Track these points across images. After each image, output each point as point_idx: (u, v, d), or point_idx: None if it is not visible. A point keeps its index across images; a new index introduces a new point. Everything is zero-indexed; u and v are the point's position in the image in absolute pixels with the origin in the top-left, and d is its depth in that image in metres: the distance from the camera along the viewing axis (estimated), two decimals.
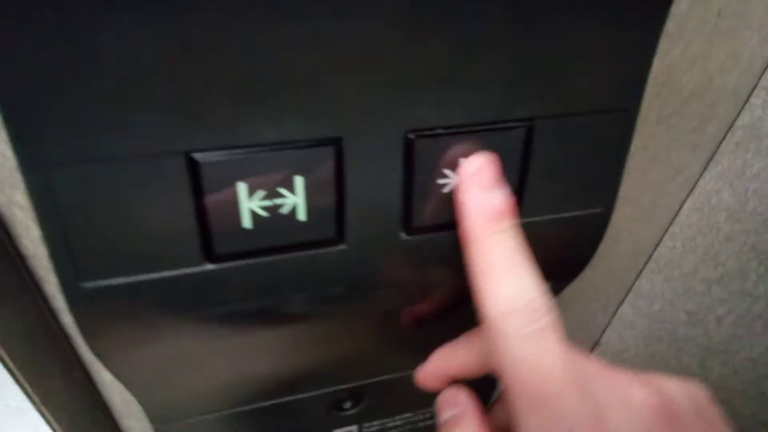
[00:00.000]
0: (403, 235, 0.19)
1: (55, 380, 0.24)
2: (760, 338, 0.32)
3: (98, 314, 0.17)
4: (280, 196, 0.17)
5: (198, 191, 0.16)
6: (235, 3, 0.13)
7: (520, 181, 0.19)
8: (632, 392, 0.17)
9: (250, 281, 0.18)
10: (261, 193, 0.17)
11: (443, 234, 0.19)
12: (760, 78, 0.27)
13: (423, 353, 0.23)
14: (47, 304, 0.21)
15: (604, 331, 0.43)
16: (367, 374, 0.27)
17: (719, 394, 0.36)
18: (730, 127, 0.29)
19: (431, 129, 0.17)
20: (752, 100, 0.28)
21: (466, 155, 0.18)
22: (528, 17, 0.16)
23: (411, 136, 0.17)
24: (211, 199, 0.16)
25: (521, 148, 0.18)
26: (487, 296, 0.17)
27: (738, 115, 0.29)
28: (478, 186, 0.17)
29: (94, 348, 0.19)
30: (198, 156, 0.15)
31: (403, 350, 0.25)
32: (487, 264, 0.17)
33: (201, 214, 0.16)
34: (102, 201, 0.15)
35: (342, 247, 0.19)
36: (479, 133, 0.18)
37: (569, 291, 0.34)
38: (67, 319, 0.21)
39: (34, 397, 0.23)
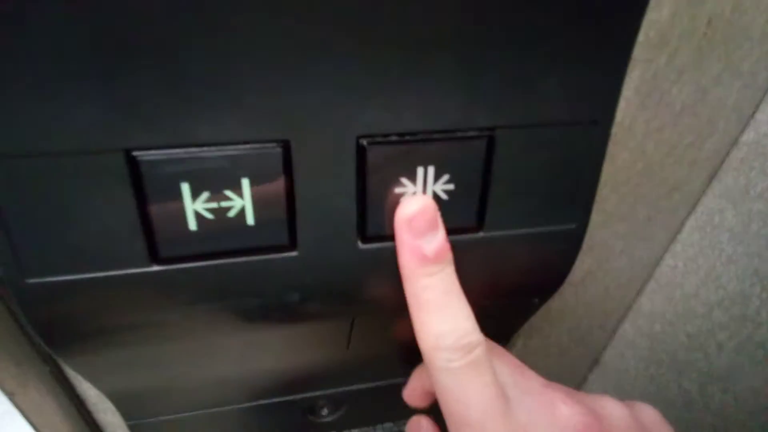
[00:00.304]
0: (359, 244, 0.19)
1: (28, 370, 0.24)
2: (761, 367, 0.30)
3: (45, 310, 0.17)
4: (227, 198, 0.17)
5: (140, 191, 0.16)
6: None
7: (482, 193, 0.18)
8: (560, 410, 0.19)
9: (198, 284, 0.18)
10: (206, 194, 0.16)
11: None
12: (766, 92, 0.26)
13: (385, 364, 0.22)
14: (10, 298, 0.21)
15: (604, 349, 0.41)
16: (331, 383, 0.26)
17: (719, 423, 0.34)
18: (734, 143, 0.28)
19: (385, 135, 0.17)
20: (757, 115, 0.27)
21: (423, 163, 0.18)
22: (486, 19, 0.15)
23: (363, 142, 0.17)
24: (154, 200, 0.16)
25: (482, 159, 0.18)
26: (421, 331, 0.19)
27: (742, 131, 0.27)
28: (411, 232, 0.18)
29: (47, 343, 0.19)
30: (138, 154, 0.15)
31: (364, 360, 0.24)
32: (419, 302, 0.19)
33: (144, 214, 0.16)
34: (42, 197, 0.15)
35: (294, 253, 0.18)
36: (436, 142, 0.17)
37: (560, 306, 0.33)
38: None
39: (8, 389, 0.23)
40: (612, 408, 0.20)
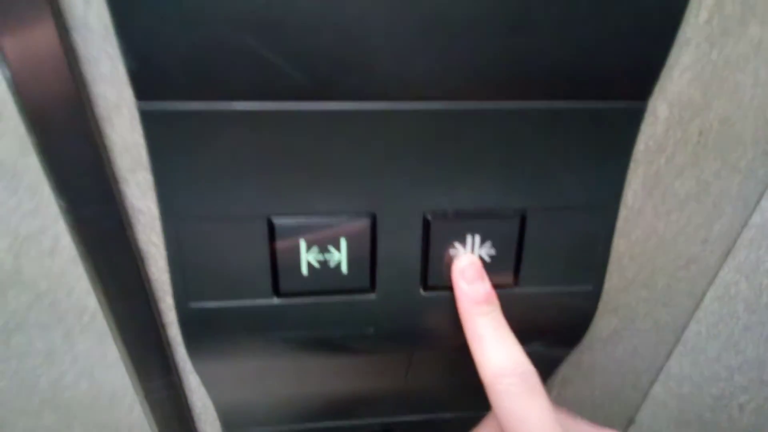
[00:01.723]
0: (422, 291, 0.25)
1: (157, 380, 0.31)
2: None
3: (198, 328, 0.24)
4: (329, 252, 0.23)
5: (272, 244, 0.23)
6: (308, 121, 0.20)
7: (516, 257, 0.25)
8: None
9: (305, 315, 0.24)
10: (315, 249, 0.23)
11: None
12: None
13: (448, 397, 0.28)
14: (160, 319, 0.28)
15: (638, 409, 0.44)
16: (395, 411, 0.32)
17: None
18: (744, 224, 0.33)
19: (444, 211, 0.23)
20: (763, 202, 0.31)
21: (472, 233, 0.24)
22: (519, 134, 0.22)
23: (428, 216, 0.23)
24: (281, 250, 0.23)
25: (516, 231, 0.24)
26: (482, 361, 0.23)
27: (750, 215, 0.32)
28: (465, 279, 0.24)
29: (191, 354, 0.26)
30: (275, 219, 0.22)
31: (418, 391, 0.30)
32: (478, 336, 0.23)
33: (273, 260, 0.23)
34: (210, 247, 0.22)
35: (372, 296, 0.25)
36: (482, 218, 0.24)
37: (591, 360, 0.37)
38: (173, 332, 0.29)
39: (138, 390, 0.30)
40: None
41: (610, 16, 0.20)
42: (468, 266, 0.24)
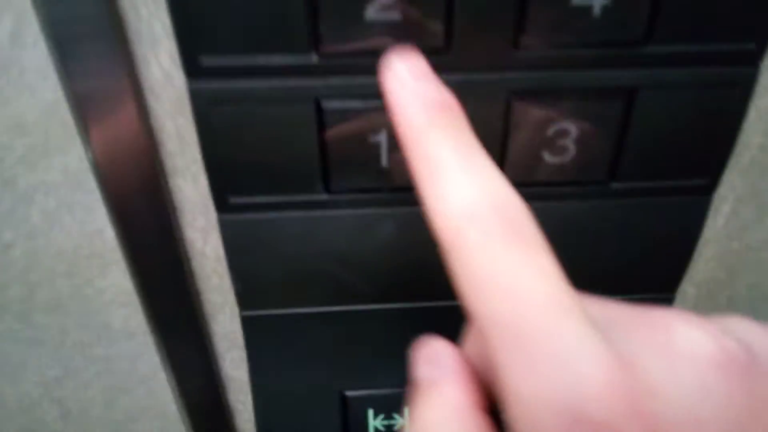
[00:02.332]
0: None
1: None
2: None
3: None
4: None
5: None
6: None
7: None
8: (681, 334, 0.12)
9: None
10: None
11: None
12: None
13: None
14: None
15: None
16: None
17: None
18: None
19: None
20: None
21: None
22: None
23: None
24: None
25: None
26: (437, 204, 0.13)
27: None
28: (405, 79, 0.15)
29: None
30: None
31: None
32: (430, 164, 0.14)
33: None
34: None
35: None
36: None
37: None
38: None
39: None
40: (757, 334, 0.12)
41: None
42: (404, 60, 0.15)
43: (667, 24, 0.18)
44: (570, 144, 0.20)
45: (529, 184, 0.21)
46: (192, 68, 0.18)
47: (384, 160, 0.20)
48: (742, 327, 0.13)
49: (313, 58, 0.18)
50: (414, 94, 0.14)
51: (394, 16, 0.17)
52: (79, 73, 0.18)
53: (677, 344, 0.11)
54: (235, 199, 0.21)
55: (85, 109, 0.19)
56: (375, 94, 0.16)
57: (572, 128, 0.20)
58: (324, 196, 0.21)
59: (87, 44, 0.18)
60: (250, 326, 0.24)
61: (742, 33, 0.19)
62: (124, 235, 0.22)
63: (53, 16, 0.17)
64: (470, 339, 0.15)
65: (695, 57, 0.19)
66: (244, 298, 0.24)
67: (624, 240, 0.24)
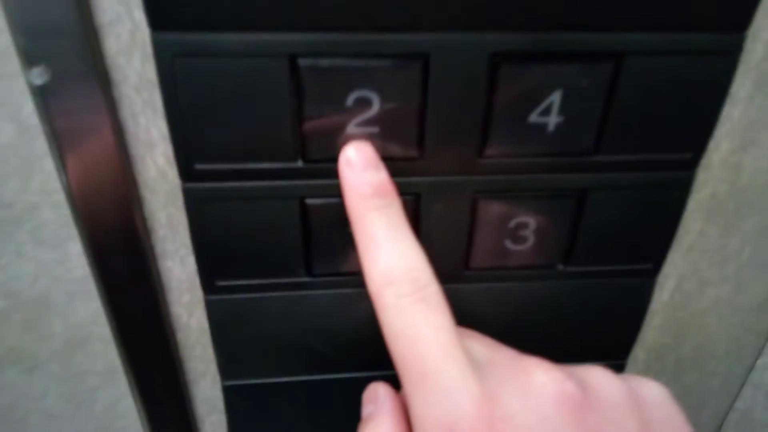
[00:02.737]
0: None
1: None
2: None
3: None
4: None
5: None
6: None
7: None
8: (536, 377, 0.16)
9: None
10: None
11: None
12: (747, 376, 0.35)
13: None
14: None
15: None
16: None
17: None
18: (728, 410, 0.37)
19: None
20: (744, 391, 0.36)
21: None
22: None
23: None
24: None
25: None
26: (368, 271, 0.17)
27: (732, 404, 0.36)
28: (351, 168, 0.18)
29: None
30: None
31: None
32: (366, 238, 0.18)
33: None
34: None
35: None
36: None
37: None
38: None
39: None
40: (602, 379, 0.17)
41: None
42: (356, 152, 0.19)
43: (613, 138, 0.21)
44: (529, 234, 0.23)
45: (495, 268, 0.23)
46: (186, 172, 0.20)
47: None
48: (592, 373, 0.17)
49: (299, 164, 0.20)
50: (360, 179, 0.18)
51: (373, 129, 0.19)
52: (79, 169, 0.19)
53: (532, 384, 0.16)
54: (222, 282, 0.22)
55: (82, 201, 0.20)
56: None
57: (531, 221, 0.22)
58: (306, 279, 0.23)
59: (87, 146, 0.19)
60: (231, 394, 0.26)
61: (680, 145, 0.21)
62: (112, 312, 0.23)
63: (57, 127, 0.18)
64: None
65: (639, 164, 0.21)
66: (226, 369, 0.25)
67: (579, 314, 0.26)
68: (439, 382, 0.15)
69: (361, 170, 0.18)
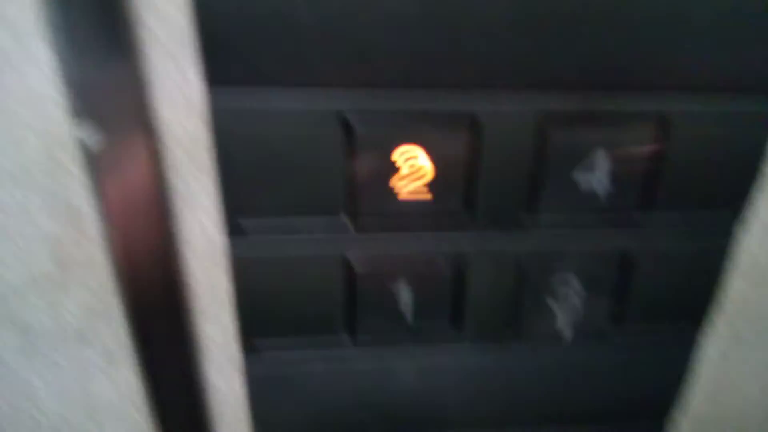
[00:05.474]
0: None
1: None
2: None
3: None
4: None
5: None
6: None
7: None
8: None
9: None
10: None
11: None
12: None
13: None
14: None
15: None
16: None
17: None
18: None
19: None
20: None
21: None
22: None
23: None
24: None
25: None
26: None
27: None
28: None
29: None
30: None
31: None
32: None
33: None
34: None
35: None
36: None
37: None
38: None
39: None
40: None
41: None
42: None
43: (659, 198, 0.20)
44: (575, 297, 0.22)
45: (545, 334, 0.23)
46: (232, 226, 0.20)
47: (409, 318, 0.21)
48: None
49: (343, 218, 0.20)
50: None
51: (426, 196, 0.19)
52: (124, 236, 0.19)
53: None
54: (260, 341, 0.22)
55: (125, 263, 0.20)
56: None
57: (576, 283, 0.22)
58: (350, 349, 0.22)
59: (135, 212, 0.19)
60: None
61: (723, 204, 0.21)
62: (146, 378, 0.22)
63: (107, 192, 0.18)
64: None
65: (684, 224, 0.21)
66: None
67: (622, 377, 0.25)
68: None
69: None
